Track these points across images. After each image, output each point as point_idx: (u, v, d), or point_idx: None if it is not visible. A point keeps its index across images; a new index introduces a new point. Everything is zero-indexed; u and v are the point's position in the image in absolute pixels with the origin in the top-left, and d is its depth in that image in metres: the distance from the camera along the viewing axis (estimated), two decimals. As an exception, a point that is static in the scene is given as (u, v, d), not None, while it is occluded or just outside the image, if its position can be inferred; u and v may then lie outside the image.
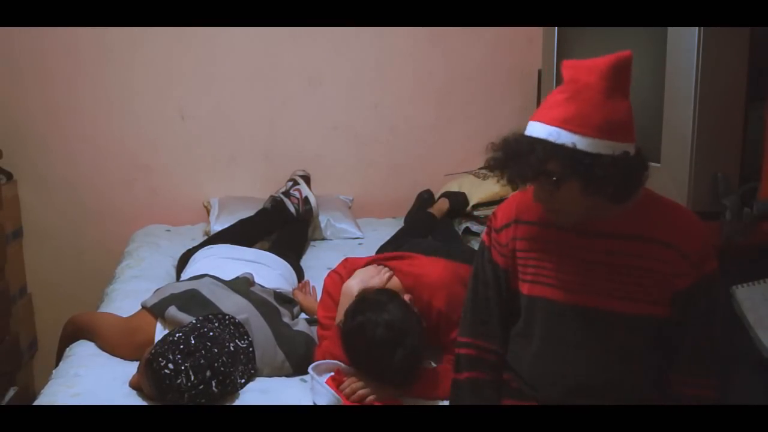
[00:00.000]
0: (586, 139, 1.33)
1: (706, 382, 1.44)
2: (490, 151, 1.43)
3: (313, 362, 1.80)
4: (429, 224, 2.78)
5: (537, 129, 1.37)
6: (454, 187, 2.97)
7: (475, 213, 2.89)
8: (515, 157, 1.38)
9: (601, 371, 1.46)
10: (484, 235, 1.61)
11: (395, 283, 1.89)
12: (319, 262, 2.65)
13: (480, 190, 2.90)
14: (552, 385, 1.50)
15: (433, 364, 1.86)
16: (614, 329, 1.44)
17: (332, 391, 1.70)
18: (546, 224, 1.48)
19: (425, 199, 2.99)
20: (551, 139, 1.34)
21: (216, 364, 1.68)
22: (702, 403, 1.42)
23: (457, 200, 2.87)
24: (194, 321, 1.81)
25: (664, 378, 1.47)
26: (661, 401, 1.45)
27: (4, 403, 2.70)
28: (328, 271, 2.14)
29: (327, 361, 1.79)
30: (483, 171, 3.03)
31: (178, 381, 1.64)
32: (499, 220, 1.56)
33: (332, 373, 1.77)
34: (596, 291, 1.44)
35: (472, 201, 2.89)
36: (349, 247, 2.79)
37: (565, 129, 1.34)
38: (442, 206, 2.86)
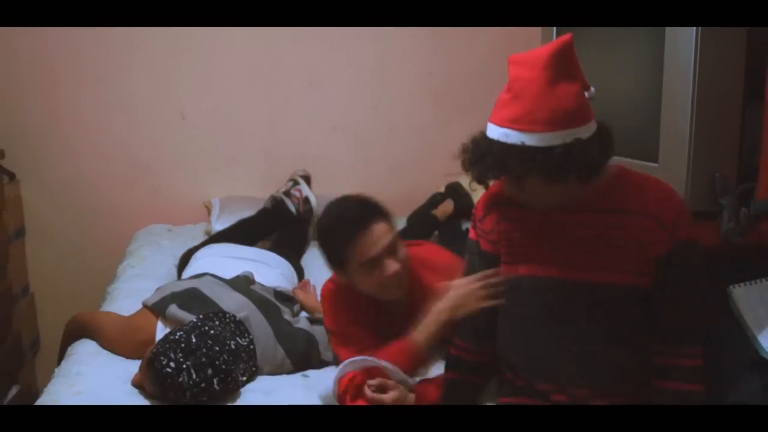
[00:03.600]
0: (535, 135, 1.36)
1: (678, 350, 1.44)
2: (461, 153, 1.48)
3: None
4: (430, 225, 2.78)
5: (492, 130, 1.42)
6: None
7: (475, 213, 2.89)
8: (478, 159, 1.43)
9: (591, 346, 1.47)
10: (470, 233, 1.64)
11: None
12: (320, 261, 2.61)
13: (480, 190, 2.90)
14: (544, 363, 1.51)
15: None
16: (598, 301, 1.46)
17: (332, 387, 1.66)
18: (525, 204, 1.51)
19: (437, 201, 2.98)
20: (503, 139, 1.38)
21: (217, 362, 1.69)
22: (675, 374, 1.42)
23: (462, 202, 2.88)
24: (195, 319, 1.82)
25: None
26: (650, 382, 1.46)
27: (6, 401, 2.71)
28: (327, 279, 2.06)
29: (371, 359, 1.69)
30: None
31: (180, 379, 1.65)
32: (480, 210, 1.60)
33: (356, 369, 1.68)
34: (578, 264, 1.46)
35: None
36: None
37: (513, 129, 1.37)
38: (446, 208, 2.86)
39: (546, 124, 1.36)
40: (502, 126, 1.39)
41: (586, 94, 1.41)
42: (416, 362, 1.74)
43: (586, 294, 1.46)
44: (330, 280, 2.02)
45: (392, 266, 1.78)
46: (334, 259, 1.85)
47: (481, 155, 1.41)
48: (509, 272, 1.54)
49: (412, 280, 1.85)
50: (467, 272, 1.62)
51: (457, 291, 1.66)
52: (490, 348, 1.61)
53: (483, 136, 1.44)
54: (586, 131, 1.39)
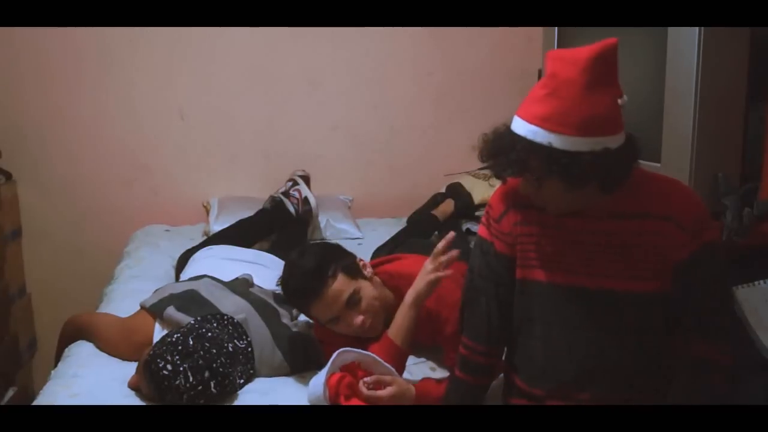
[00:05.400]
0: (564, 137, 1.31)
1: (719, 347, 1.40)
2: (481, 142, 1.43)
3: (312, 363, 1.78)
4: (430, 225, 2.77)
5: (518, 125, 1.37)
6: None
7: (476, 213, 2.89)
8: (499, 153, 1.38)
9: (608, 353, 1.44)
10: (481, 232, 1.58)
11: (378, 284, 1.86)
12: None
13: (480, 190, 2.90)
14: (559, 371, 1.48)
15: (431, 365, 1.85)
16: (618, 309, 1.43)
17: (321, 391, 1.63)
18: (539, 206, 1.47)
19: (438, 201, 2.97)
20: (529, 137, 1.33)
21: (214, 365, 1.68)
22: (717, 369, 1.40)
23: (463, 202, 2.87)
24: (192, 322, 1.81)
25: (672, 347, 1.44)
26: (666, 385, 1.45)
27: (3, 403, 2.70)
28: None
29: (355, 350, 1.68)
30: (483, 171, 3.03)
31: (177, 382, 1.64)
32: (496, 209, 1.54)
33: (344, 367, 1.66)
34: (597, 272, 1.43)
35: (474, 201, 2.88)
36: (349, 248, 2.75)
37: (542, 127, 1.32)
38: (446, 208, 2.85)
39: (578, 128, 1.31)
40: (531, 122, 1.34)
41: (619, 101, 1.36)
42: (396, 360, 1.71)
43: (603, 302, 1.43)
44: None
45: (356, 320, 1.75)
46: (303, 313, 1.88)
47: (504, 149, 1.37)
48: (525, 276, 1.50)
49: (397, 296, 1.81)
50: (479, 274, 1.56)
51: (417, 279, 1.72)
52: (500, 351, 1.59)
53: (507, 129, 1.39)
54: (615, 141, 1.34)
